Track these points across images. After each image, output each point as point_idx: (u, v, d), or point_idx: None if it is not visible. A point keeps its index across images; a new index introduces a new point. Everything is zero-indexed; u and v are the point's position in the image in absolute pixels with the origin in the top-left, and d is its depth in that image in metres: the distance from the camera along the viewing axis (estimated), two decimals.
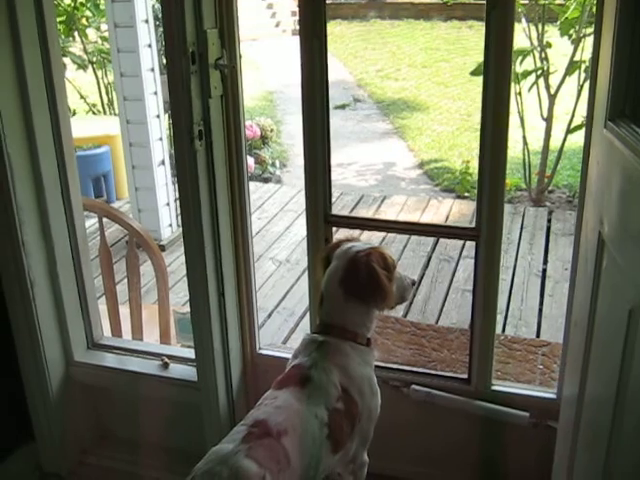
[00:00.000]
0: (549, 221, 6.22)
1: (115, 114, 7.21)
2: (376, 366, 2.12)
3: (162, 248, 5.48)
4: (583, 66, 6.27)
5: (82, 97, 8.24)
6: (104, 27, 7.24)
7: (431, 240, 5.62)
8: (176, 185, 2.27)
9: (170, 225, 5.86)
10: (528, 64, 6.42)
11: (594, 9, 5.78)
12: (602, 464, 1.54)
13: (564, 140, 6.55)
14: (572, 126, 6.45)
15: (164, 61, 5.61)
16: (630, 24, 1.58)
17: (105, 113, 8.00)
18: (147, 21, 5.37)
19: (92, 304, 2.75)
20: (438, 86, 11.20)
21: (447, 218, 6.21)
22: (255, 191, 6.96)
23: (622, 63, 1.58)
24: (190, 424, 2.61)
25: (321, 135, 2.28)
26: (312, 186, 2.35)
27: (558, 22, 6.54)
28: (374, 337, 2.11)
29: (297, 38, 2.22)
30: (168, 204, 5.81)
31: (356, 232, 2.51)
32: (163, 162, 5.72)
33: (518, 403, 2.41)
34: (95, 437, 2.90)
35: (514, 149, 6.85)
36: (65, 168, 2.53)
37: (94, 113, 8.21)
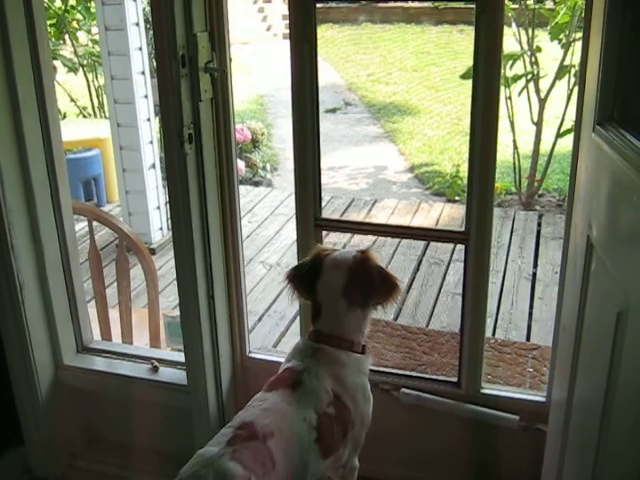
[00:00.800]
0: (539, 225, 6.24)
1: (105, 117, 7.19)
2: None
3: (152, 251, 5.47)
4: (573, 70, 6.30)
5: (72, 100, 8.22)
6: (95, 30, 7.22)
7: (422, 244, 5.62)
8: (166, 188, 2.26)
9: (160, 228, 5.85)
10: (518, 68, 6.44)
11: (584, 14, 5.81)
12: (591, 467, 1.54)
13: (554, 144, 6.57)
14: (562, 130, 6.47)
15: (155, 64, 5.61)
16: (618, 29, 1.59)
17: (95, 116, 7.98)
18: (138, 24, 5.37)
19: (82, 308, 2.74)
20: (429, 90, 11.22)
21: (437, 222, 6.22)
22: (245, 195, 6.96)
23: (610, 68, 1.59)
24: (180, 428, 2.60)
25: (311, 139, 2.29)
26: (302, 190, 2.35)
27: (548, 27, 6.57)
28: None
29: (288, 42, 2.22)
30: (158, 207, 5.80)
31: (346, 236, 2.52)
32: (154, 165, 5.71)
33: (508, 406, 2.42)
34: (85, 441, 2.89)
35: (504, 153, 6.87)
36: (55, 171, 2.52)
37: (84, 116, 8.19)
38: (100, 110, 7.97)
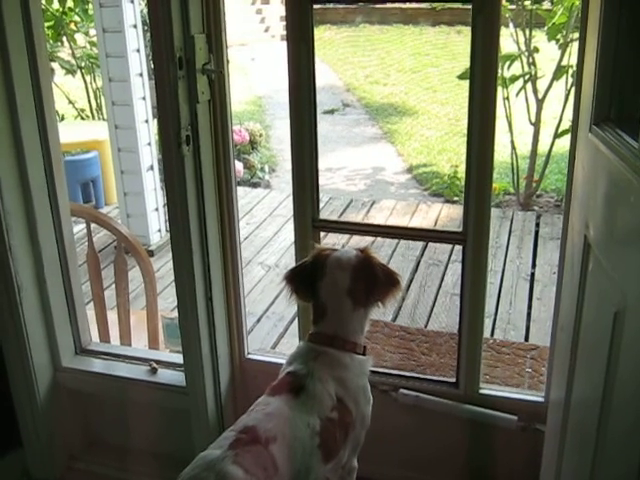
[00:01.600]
0: (537, 225, 6.24)
1: (104, 119, 7.19)
2: None
3: (151, 253, 5.48)
4: (570, 71, 6.30)
5: (70, 102, 8.23)
6: (93, 32, 7.23)
7: (420, 244, 5.63)
8: (164, 190, 2.26)
9: (159, 230, 5.85)
10: (516, 69, 6.45)
11: (580, 14, 5.82)
12: (589, 467, 1.54)
13: (552, 144, 6.58)
14: (560, 130, 6.48)
15: (152, 66, 5.61)
16: (614, 29, 1.59)
17: (94, 118, 7.98)
18: (135, 26, 5.37)
19: (80, 309, 2.74)
20: (427, 91, 11.22)
21: (436, 222, 6.23)
22: (244, 196, 6.96)
23: (606, 68, 1.60)
24: (179, 429, 2.60)
25: (309, 140, 2.29)
26: (300, 191, 2.35)
27: (545, 27, 6.58)
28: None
29: (286, 43, 2.23)
30: (157, 209, 5.80)
31: (344, 237, 2.52)
32: (152, 167, 5.72)
33: (506, 407, 2.42)
34: (84, 443, 2.89)
35: (502, 153, 6.88)
36: (52, 173, 2.52)
37: (82, 118, 8.19)
38: (98, 112, 7.97)
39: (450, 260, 5.36)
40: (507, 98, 6.46)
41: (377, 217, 6.37)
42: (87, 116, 8.16)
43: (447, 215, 6.43)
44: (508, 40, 6.49)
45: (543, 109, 6.62)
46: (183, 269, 2.34)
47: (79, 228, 3.68)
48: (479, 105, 2.12)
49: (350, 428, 1.97)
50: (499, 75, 3.12)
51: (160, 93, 2.12)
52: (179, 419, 2.59)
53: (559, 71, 6.39)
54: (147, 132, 5.62)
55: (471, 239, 2.23)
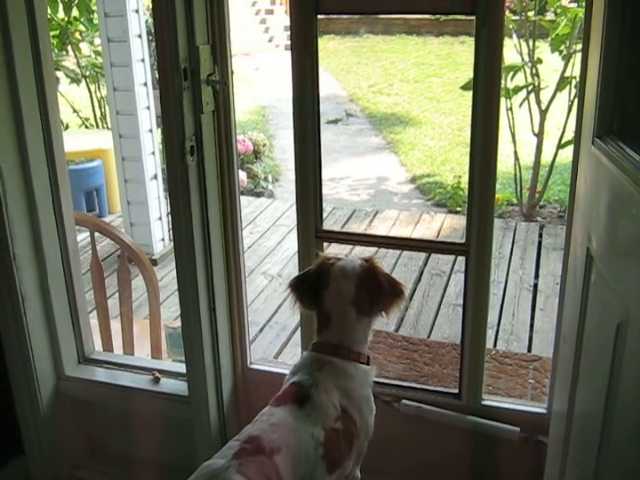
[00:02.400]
0: (540, 236, 6.24)
1: (108, 128, 7.22)
2: None
3: (154, 262, 5.48)
4: (574, 82, 6.31)
5: (75, 111, 8.25)
6: (97, 41, 7.25)
7: (423, 255, 5.63)
8: (168, 199, 2.27)
9: (162, 239, 5.86)
10: (519, 80, 6.46)
11: (583, 26, 5.83)
12: (592, 479, 1.55)
13: (555, 155, 6.58)
14: (563, 141, 6.49)
15: (157, 76, 5.63)
16: (616, 42, 1.60)
17: (98, 127, 8.00)
18: (140, 36, 5.39)
19: (83, 318, 2.75)
20: (430, 101, 11.25)
21: (439, 233, 6.23)
22: (247, 205, 6.97)
23: (609, 80, 1.60)
24: (181, 439, 2.60)
25: (312, 150, 2.29)
26: (303, 201, 2.36)
27: (549, 38, 6.60)
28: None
29: (290, 53, 2.23)
30: (160, 218, 5.81)
31: (347, 247, 2.52)
32: (155, 176, 5.73)
33: (509, 418, 2.42)
34: (86, 451, 2.90)
35: (505, 164, 6.89)
36: (57, 182, 2.53)
37: (87, 127, 8.22)
38: (102, 121, 7.99)
39: (453, 270, 5.37)
40: (510, 109, 6.46)
41: (380, 227, 6.38)
42: (91, 125, 8.18)
43: (450, 225, 6.43)
44: (511, 51, 6.51)
45: (546, 120, 6.63)
46: (186, 279, 2.35)
47: (83, 236, 3.68)
48: (482, 116, 2.13)
49: (354, 438, 1.97)
50: (502, 86, 3.12)
51: (165, 103, 2.13)
52: (181, 428, 2.59)
53: (562, 82, 6.39)
54: (151, 141, 5.64)
55: (474, 250, 2.24)
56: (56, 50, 7.69)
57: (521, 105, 6.54)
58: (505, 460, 2.48)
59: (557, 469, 1.93)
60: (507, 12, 5.88)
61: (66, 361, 2.72)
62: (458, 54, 14.98)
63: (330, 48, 15.62)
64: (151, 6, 2.08)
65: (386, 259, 5.49)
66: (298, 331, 4.30)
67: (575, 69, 6.25)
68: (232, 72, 2.30)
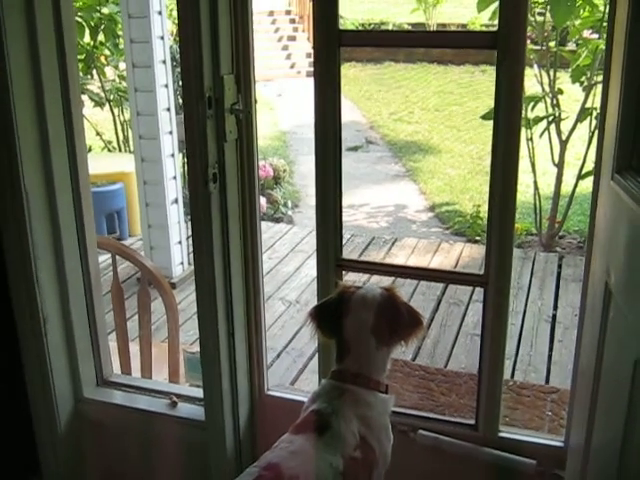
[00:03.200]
0: (559, 266, 6.21)
1: (130, 151, 7.29)
2: None
3: (173, 286, 5.51)
4: (594, 113, 6.32)
5: (98, 134, 8.35)
6: (122, 66, 7.35)
7: (441, 283, 5.63)
8: (188, 223, 2.30)
9: (182, 263, 5.89)
10: (540, 110, 6.48)
11: (604, 59, 5.84)
12: None
13: (575, 186, 6.58)
14: (583, 172, 6.49)
15: (180, 101, 5.69)
16: (638, 75, 1.61)
17: (120, 150, 8.09)
18: (164, 62, 5.46)
19: (103, 341, 2.77)
20: (450, 129, 11.28)
21: (457, 262, 6.22)
22: (266, 231, 7.00)
23: (629, 116, 1.61)
24: (197, 463, 2.61)
25: (333, 180, 2.31)
26: (323, 230, 2.37)
27: (569, 69, 6.62)
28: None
29: (311, 80, 2.25)
30: (180, 242, 5.85)
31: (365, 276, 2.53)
32: (176, 200, 5.77)
33: (526, 450, 2.40)
34: (102, 473, 2.90)
35: (525, 194, 6.89)
36: (81, 205, 2.57)
37: (109, 150, 8.31)
38: (125, 144, 8.08)
39: (471, 300, 5.35)
40: (531, 139, 6.48)
41: (399, 255, 6.38)
42: (114, 148, 8.27)
43: (469, 255, 6.43)
44: (532, 80, 6.54)
45: (566, 150, 6.63)
46: (206, 304, 2.37)
47: (103, 258, 3.71)
48: (503, 147, 2.14)
49: (373, 467, 1.97)
50: (523, 116, 3.13)
51: (189, 131, 2.17)
52: (198, 453, 2.60)
53: (583, 113, 6.40)
54: (173, 166, 5.68)
55: (493, 282, 2.24)
56: (81, 74, 7.79)
57: (541, 135, 6.55)
58: None
59: None
60: (528, 42, 5.91)
61: (85, 383, 2.74)
62: (479, 83, 15.03)
63: (351, 75, 15.71)
64: (178, 36, 2.12)
65: (404, 287, 5.48)
66: (315, 358, 4.31)
67: (596, 100, 6.26)
68: (255, 101, 2.33)
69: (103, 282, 2.86)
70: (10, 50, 2.26)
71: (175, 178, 5.74)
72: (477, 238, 6.99)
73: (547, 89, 6.56)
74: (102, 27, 7.53)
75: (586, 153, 6.43)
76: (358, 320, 2.01)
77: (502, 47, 2.04)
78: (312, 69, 2.27)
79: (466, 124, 11.22)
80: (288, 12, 19.27)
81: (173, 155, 5.67)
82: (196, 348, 2.65)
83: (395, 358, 3.99)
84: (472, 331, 4.94)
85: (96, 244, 2.68)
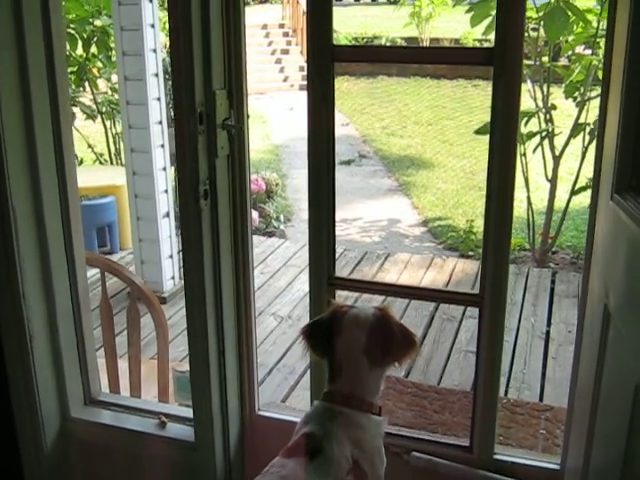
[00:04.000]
0: (553, 282, 6.18)
1: (122, 164, 7.25)
2: None
3: (163, 300, 5.47)
4: (588, 128, 6.32)
5: (90, 146, 8.31)
6: (115, 78, 7.32)
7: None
8: (180, 238, 2.26)
9: (172, 277, 5.84)
10: (533, 125, 6.47)
11: (599, 73, 5.86)
12: None
13: (568, 201, 6.57)
14: (576, 188, 6.48)
15: (172, 114, 5.66)
16: (637, 97, 1.58)
17: (112, 163, 8.05)
18: (157, 75, 5.43)
19: (91, 359, 2.72)
20: (443, 144, 11.28)
21: (450, 277, 6.19)
22: (258, 245, 6.96)
23: (629, 137, 1.59)
24: None
25: (326, 199, 2.27)
26: (316, 247, 2.33)
27: (563, 84, 6.62)
28: None
29: (304, 93, 2.22)
30: (171, 256, 5.80)
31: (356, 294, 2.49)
32: (167, 214, 5.72)
33: (521, 473, 2.36)
34: None
35: (518, 209, 6.86)
36: (69, 220, 2.52)
37: (101, 162, 8.26)
38: (116, 157, 8.04)
39: (464, 316, 5.32)
40: (524, 154, 6.46)
41: (391, 270, 6.35)
42: (105, 160, 8.23)
43: (462, 270, 6.39)
44: (525, 96, 6.53)
45: (560, 165, 6.63)
46: (196, 322, 2.33)
47: (92, 272, 3.67)
48: (498, 165, 2.10)
49: None
50: None
51: (179, 147, 2.13)
52: (187, 475, 2.55)
53: (576, 129, 6.40)
54: (164, 179, 5.64)
55: (488, 301, 2.20)
56: (73, 86, 7.77)
57: (534, 151, 6.54)
58: None
59: None
60: None
61: (72, 402, 2.68)
62: (472, 97, 15.06)
63: (344, 89, 15.73)
64: (169, 50, 2.08)
65: (397, 303, 5.44)
66: (307, 375, 4.26)
67: (589, 115, 6.27)
68: (248, 116, 2.30)
69: (92, 297, 2.81)
70: None
71: (167, 192, 5.69)
72: (470, 253, 6.97)
73: (540, 104, 6.55)
74: (95, 39, 7.51)
75: (579, 168, 6.43)
76: (350, 340, 1.97)
77: (498, 64, 2.01)
78: (305, 82, 2.23)
79: (459, 138, 11.22)
80: (282, 25, 19.34)
81: (165, 169, 5.63)
82: (186, 366, 2.60)
83: (388, 375, 3.95)
84: (465, 347, 4.90)
85: (85, 259, 2.64)
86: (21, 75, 2.30)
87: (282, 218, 7.90)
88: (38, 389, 2.54)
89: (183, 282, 2.35)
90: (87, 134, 8.34)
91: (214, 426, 2.45)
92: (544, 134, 6.50)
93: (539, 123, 6.48)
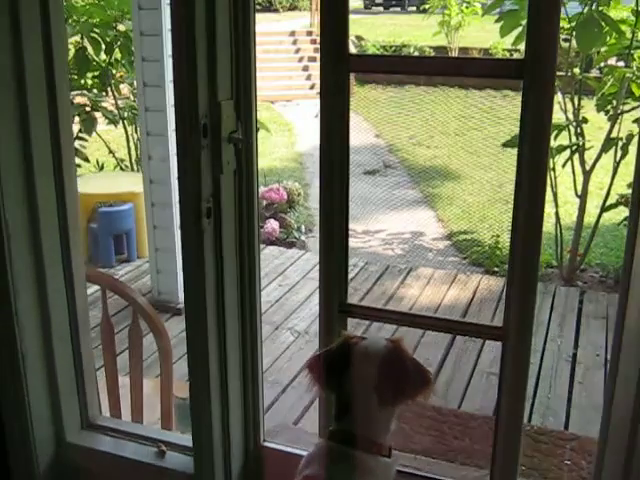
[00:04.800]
0: (580, 302, 5.96)
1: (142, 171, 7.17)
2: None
3: (178, 312, 5.33)
4: (620, 143, 6.13)
5: (111, 152, 8.24)
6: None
7: (458, 315, 5.43)
8: (182, 265, 2.11)
9: None
10: (563, 138, 6.27)
11: (633, 86, 5.64)
12: None
13: (598, 218, 6.38)
14: (607, 204, 6.29)
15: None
16: None
17: (133, 169, 7.96)
18: None
19: (89, 381, 2.57)
20: (470, 155, 11.07)
21: (474, 294, 5.99)
22: (278, 256, 6.82)
23: None
24: None
25: (338, 219, 2.12)
26: (327, 271, 2.17)
27: (594, 97, 6.43)
28: None
29: None
30: None
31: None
32: None
33: None
34: None
35: (545, 224, 6.66)
36: (68, 234, 2.38)
37: (122, 168, 8.18)
38: (137, 163, 7.95)
39: None
40: (553, 168, 6.27)
41: (414, 285, 6.16)
42: (126, 166, 8.14)
43: (486, 287, 6.19)
44: (555, 108, 6.32)
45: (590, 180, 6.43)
46: (197, 348, 2.18)
47: (94, 289, 3.54)
48: (528, 182, 1.92)
49: None
50: None
51: (181, 162, 1.98)
52: None
53: (608, 143, 6.20)
54: None
55: (512, 337, 2.02)
56: (96, 90, 7.71)
57: (564, 165, 6.35)
58: None
59: None
60: None
61: (68, 427, 2.54)
62: (500, 108, 14.86)
63: (371, 97, 15.60)
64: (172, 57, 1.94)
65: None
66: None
67: (622, 129, 6.08)
68: (257, 129, 2.14)
69: (93, 315, 2.67)
70: None
71: None
72: (495, 269, 6.77)
73: (571, 117, 6.36)
74: (118, 44, 7.45)
75: (610, 184, 6.24)
76: (360, 375, 1.81)
77: (529, 77, 1.84)
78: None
79: (486, 150, 10.99)
80: (309, 33, 19.24)
81: None
82: (187, 392, 2.45)
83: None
84: (488, 369, 4.71)
85: (85, 277, 2.49)
86: (17, 81, 2.16)
87: (303, 229, 7.74)
88: (31, 412, 2.40)
89: (184, 309, 2.19)
90: (109, 139, 8.27)
91: (215, 457, 2.29)
92: (574, 148, 6.29)
93: (569, 136, 6.28)
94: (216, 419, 2.28)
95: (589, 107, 6.57)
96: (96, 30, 7.39)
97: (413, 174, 10.38)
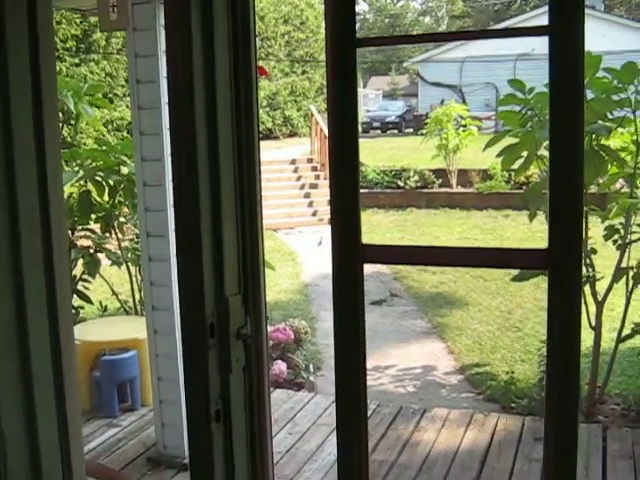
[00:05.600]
0: (604, 440, 5.67)
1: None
2: None
3: (184, 467, 5.10)
4: (631, 272, 6.03)
5: (114, 293, 8.16)
6: None
7: (477, 460, 5.19)
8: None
9: None
10: None
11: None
12: None
13: (615, 350, 6.20)
14: (622, 335, 6.14)
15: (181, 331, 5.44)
16: None
17: (136, 312, 7.84)
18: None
19: None
20: (476, 279, 11.01)
21: (492, 437, 5.72)
22: (286, 400, 6.59)
23: None
24: None
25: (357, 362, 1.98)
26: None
27: (602, 224, 6.38)
28: None
29: None
30: None
31: None
32: None
33: None
34: None
35: None
36: (68, 433, 2.23)
37: (125, 310, 8.08)
38: (141, 305, 7.84)
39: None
40: None
41: (429, 429, 5.90)
42: (130, 308, 8.03)
43: (504, 428, 5.92)
44: None
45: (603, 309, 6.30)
46: None
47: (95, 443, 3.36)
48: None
49: None
50: None
51: (187, 364, 1.86)
52: None
53: (619, 273, 6.10)
54: None
55: None
56: (100, 232, 7.70)
57: None
58: None
59: None
60: None
61: None
62: (502, 228, 14.98)
63: (374, 222, 15.73)
64: (176, 258, 1.84)
65: (435, 469, 5.05)
66: None
67: (632, 259, 6.01)
68: (267, 318, 2.03)
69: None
70: None
71: None
72: (512, 405, 6.53)
73: None
74: (121, 187, 7.50)
75: (624, 314, 6.10)
76: None
77: (554, 268, 1.74)
78: None
79: (492, 273, 10.94)
80: (310, 160, 19.61)
81: None
82: None
83: None
84: None
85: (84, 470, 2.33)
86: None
87: (311, 368, 7.54)
88: None
89: None
90: (112, 279, 8.21)
91: None
92: (585, 280, 6.18)
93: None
94: None
95: (597, 238, 6.48)
96: (100, 174, 7.46)
97: (420, 302, 10.26)
